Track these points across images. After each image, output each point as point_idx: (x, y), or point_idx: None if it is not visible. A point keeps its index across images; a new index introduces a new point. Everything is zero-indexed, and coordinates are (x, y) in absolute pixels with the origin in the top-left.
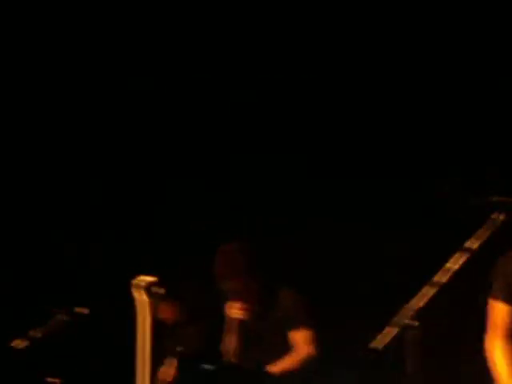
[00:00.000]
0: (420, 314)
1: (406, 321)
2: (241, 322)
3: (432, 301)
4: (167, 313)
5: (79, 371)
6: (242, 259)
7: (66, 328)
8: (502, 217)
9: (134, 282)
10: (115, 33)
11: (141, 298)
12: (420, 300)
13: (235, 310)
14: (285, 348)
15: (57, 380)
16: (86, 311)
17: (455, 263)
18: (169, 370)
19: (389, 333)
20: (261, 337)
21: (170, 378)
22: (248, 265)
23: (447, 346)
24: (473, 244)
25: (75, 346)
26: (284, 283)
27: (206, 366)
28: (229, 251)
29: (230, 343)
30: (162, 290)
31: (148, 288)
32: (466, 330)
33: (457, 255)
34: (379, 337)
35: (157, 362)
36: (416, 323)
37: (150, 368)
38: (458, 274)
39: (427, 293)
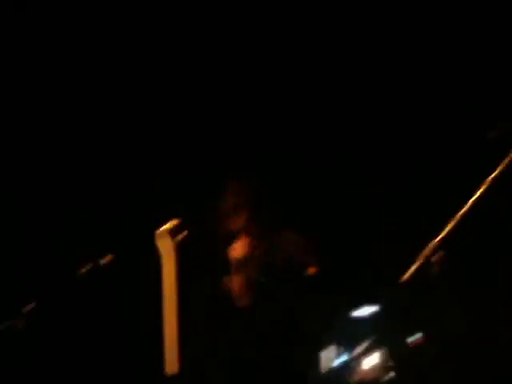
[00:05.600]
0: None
1: (432, 255)
2: (242, 260)
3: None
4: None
5: (104, 320)
6: (248, 196)
7: (91, 277)
8: None
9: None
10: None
11: (164, 244)
12: (446, 234)
13: (239, 248)
14: None
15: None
16: (109, 259)
17: (481, 196)
18: None
19: (416, 268)
20: (263, 276)
21: None
22: (253, 202)
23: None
24: (499, 175)
25: (100, 296)
26: (289, 226)
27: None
28: (234, 188)
29: (238, 282)
30: (184, 235)
31: (171, 233)
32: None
33: (483, 188)
34: (408, 272)
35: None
36: (443, 256)
37: (176, 312)
38: (483, 207)
39: (454, 227)
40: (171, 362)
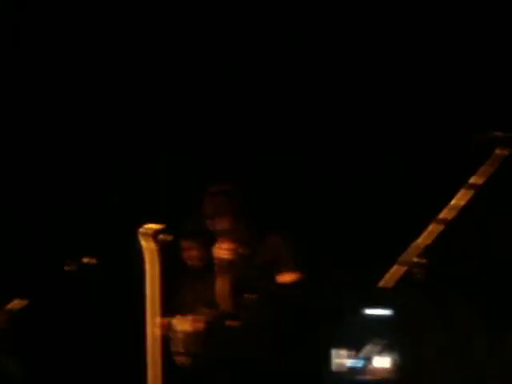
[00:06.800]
0: (427, 252)
1: (414, 259)
2: (229, 262)
3: (439, 238)
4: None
5: (88, 322)
6: (231, 200)
7: (75, 278)
8: (504, 152)
9: (141, 230)
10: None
11: (148, 246)
12: (427, 238)
13: (223, 251)
14: None
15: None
16: (94, 261)
17: (461, 200)
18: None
19: (397, 271)
20: (248, 280)
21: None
22: (236, 205)
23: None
24: (477, 180)
25: (85, 297)
26: (274, 228)
27: None
28: (217, 192)
29: (223, 286)
30: (169, 237)
31: (155, 235)
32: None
33: (462, 192)
34: (387, 276)
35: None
36: (423, 261)
37: (159, 314)
38: (463, 211)
39: (434, 230)
40: (154, 362)
